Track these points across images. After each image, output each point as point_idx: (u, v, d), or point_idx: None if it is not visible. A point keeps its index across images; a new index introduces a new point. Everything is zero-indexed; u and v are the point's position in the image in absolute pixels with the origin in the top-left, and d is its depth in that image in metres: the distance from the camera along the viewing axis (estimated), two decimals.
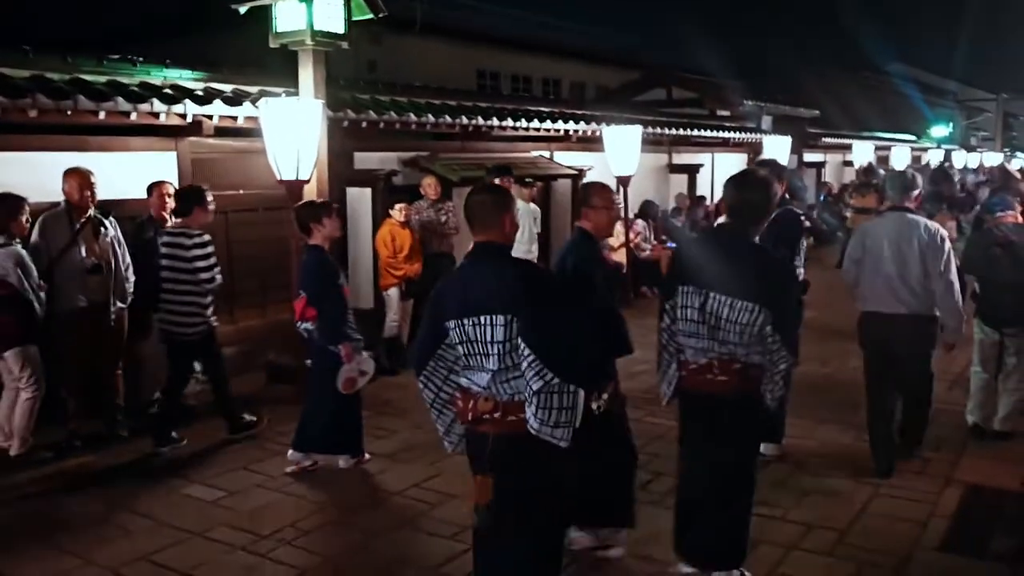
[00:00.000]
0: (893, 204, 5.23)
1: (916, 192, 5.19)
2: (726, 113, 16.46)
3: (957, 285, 4.89)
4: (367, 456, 5.45)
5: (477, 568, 3.24)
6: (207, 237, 5.71)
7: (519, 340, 2.96)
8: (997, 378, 5.59)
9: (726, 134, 14.73)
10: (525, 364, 2.96)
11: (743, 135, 15.27)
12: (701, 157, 14.46)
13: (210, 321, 5.81)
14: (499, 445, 3.03)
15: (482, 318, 3.00)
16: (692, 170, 14.08)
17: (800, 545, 4.18)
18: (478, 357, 3.05)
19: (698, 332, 3.65)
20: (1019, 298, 5.34)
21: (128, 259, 5.84)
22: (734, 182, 3.79)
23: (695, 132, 13.94)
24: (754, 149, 15.39)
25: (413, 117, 8.55)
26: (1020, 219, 5.61)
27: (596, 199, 4.05)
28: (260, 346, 7.35)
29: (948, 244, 4.93)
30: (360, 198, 7.99)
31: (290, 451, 5.36)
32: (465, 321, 3.03)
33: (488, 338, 2.99)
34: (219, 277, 5.76)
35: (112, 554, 4.20)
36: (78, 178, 5.60)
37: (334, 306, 5.20)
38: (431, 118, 8.74)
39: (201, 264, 5.62)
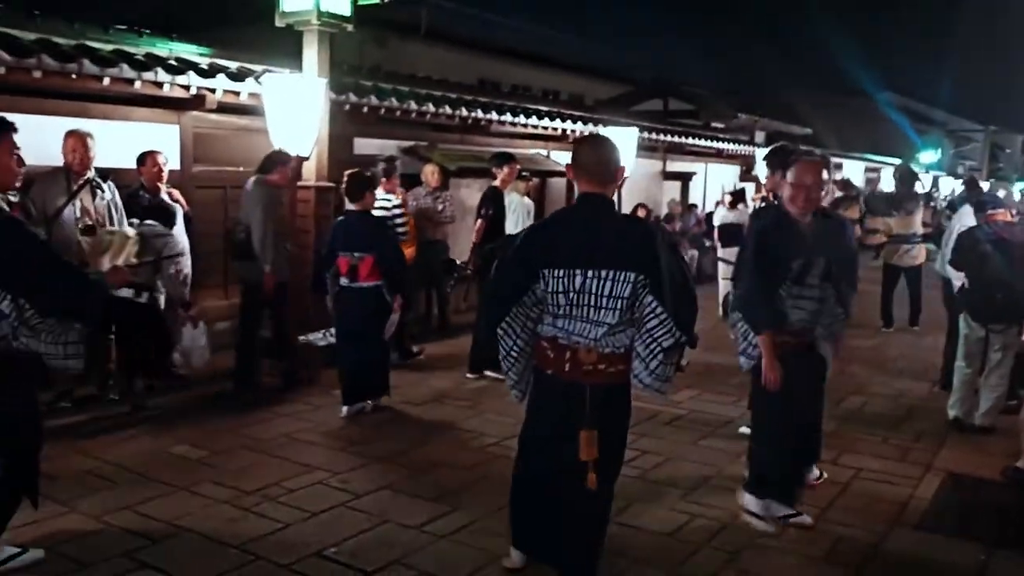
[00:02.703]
0: None
1: None
2: (721, 125, 16.67)
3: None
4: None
5: (530, 496, 3.33)
6: (399, 200, 7.52)
7: (650, 299, 2.96)
8: (980, 374, 5.69)
9: (720, 145, 14.91)
10: (656, 322, 2.97)
11: (736, 147, 15.46)
12: (694, 166, 14.65)
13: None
14: (597, 396, 3.03)
15: (605, 272, 2.96)
16: (685, 178, 14.27)
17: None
18: (585, 308, 3.01)
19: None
20: (1008, 294, 5.43)
21: (125, 223, 5.87)
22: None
23: (690, 141, 14.10)
24: (746, 161, 15.56)
25: (414, 105, 8.65)
26: (1010, 217, 5.73)
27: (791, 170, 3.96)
28: None
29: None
30: None
31: (344, 407, 5.81)
32: (580, 272, 2.99)
33: (610, 292, 2.97)
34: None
35: (96, 503, 4.22)
36: (77, 140, 5.63)
37: (401, 261, 5.99)
38: (432, 107, 8.85)
39: (399, 220, 7.36)
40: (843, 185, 13.95)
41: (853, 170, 18.35)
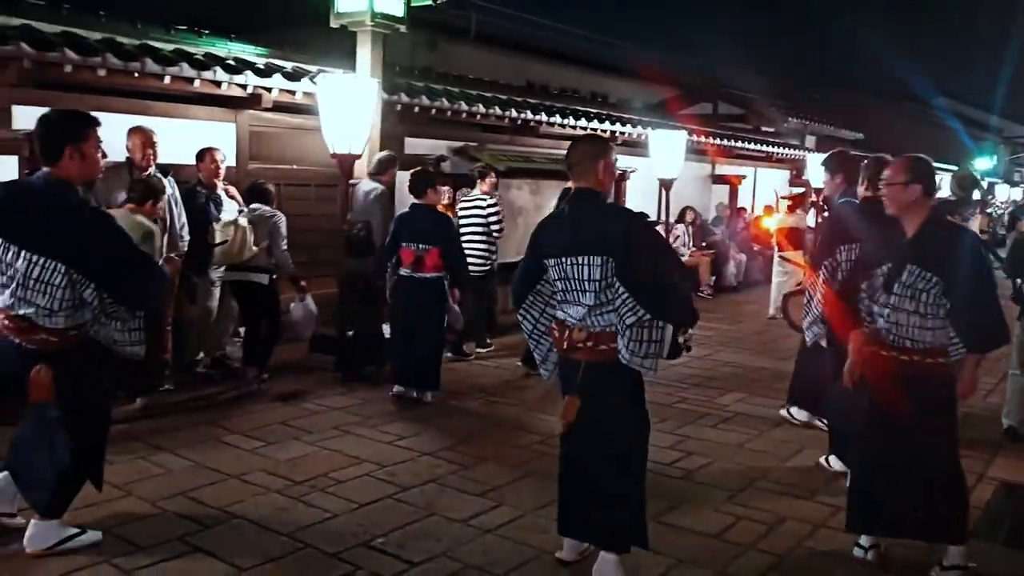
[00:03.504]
0: None
1: None
2: (770, 129, 16.50)
3: None
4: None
5: (562, 478, 3.58)
6: (494, 200, 7.74)
7: (614, 279, 3.25)
8: None
9: (769, 148, 14.78)
10: (619, 301, 3.26)
11: (786, 151, 15.31)
12: (744, 169, 14.54)
13: (495, 264, 7.73)
14: (589, 371, 3.34)
15: (580, 258, 3.29)
16: (734, 181, 14.16)
17: (827, 523, 4.20)
18: (575, 293, 3.35)
19: None
20: None
21: (184, 218, 6.02)
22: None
23: (739, 144, 14.00)
24: (796, 165, 15.40)
25: (464, 106, 8.73)
26: None
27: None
28: None
29: None
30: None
31: (396, 387, 6.12)
32: (564, 260, 3.34)
33: (585, 276, 3.29)
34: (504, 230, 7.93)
35: (152, 489, 4.34)
36: (141, 136, 5.80)
37: (463, 256, 6.38)
38: (482, 108, 8.93)
39: (493, 219, 7.63)
40: None
41: None
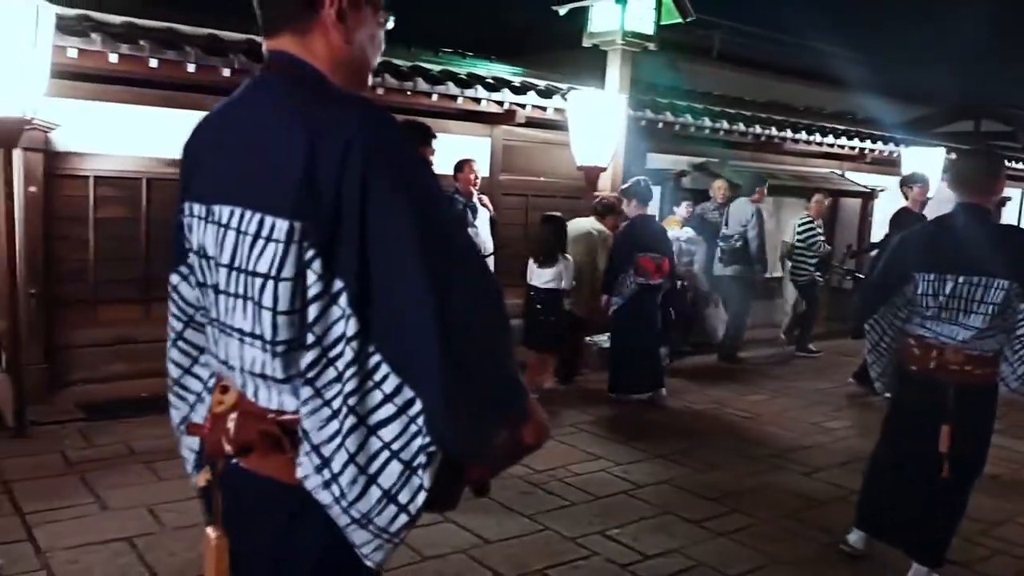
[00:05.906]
0: None
1: None
2: None
3: None
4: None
5: (898, 490, 3.50)
6: (809, 220, 8.60)
7: (1020, 304, 3.16)
8: None
9: None
10: None
11: None
12: (1010, 191, 13.34)
13: (815, 275, 8.67)
14: (961, 394, 3.25)
15: (977, 279, 3.20)
16: (997, 204, 13.04)
17: None
18: (956, 312, 3.24)
19: None
20: None
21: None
22: None
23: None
24: None
25: (708, 122, 8.77)
26: None
27: None
28: None
29: None
30: None
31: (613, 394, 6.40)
32: (951, 277, 3.24)
33: (979, 297, 3.20)
34: (826, 246, 8.76)
35: None
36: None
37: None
38: (725, 124, 8.91)
39: (809, 237, 8.50)
40: None
41: None
